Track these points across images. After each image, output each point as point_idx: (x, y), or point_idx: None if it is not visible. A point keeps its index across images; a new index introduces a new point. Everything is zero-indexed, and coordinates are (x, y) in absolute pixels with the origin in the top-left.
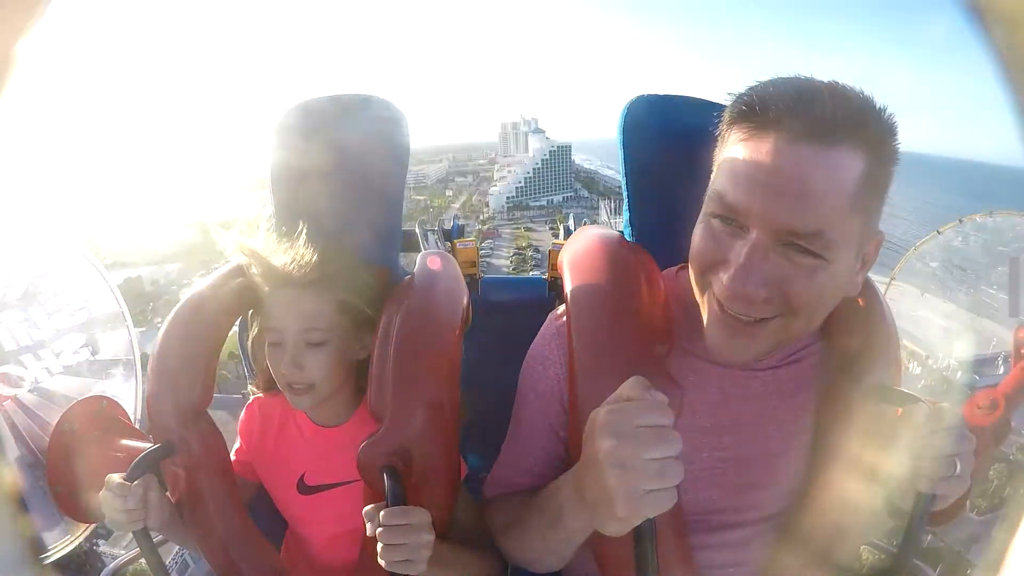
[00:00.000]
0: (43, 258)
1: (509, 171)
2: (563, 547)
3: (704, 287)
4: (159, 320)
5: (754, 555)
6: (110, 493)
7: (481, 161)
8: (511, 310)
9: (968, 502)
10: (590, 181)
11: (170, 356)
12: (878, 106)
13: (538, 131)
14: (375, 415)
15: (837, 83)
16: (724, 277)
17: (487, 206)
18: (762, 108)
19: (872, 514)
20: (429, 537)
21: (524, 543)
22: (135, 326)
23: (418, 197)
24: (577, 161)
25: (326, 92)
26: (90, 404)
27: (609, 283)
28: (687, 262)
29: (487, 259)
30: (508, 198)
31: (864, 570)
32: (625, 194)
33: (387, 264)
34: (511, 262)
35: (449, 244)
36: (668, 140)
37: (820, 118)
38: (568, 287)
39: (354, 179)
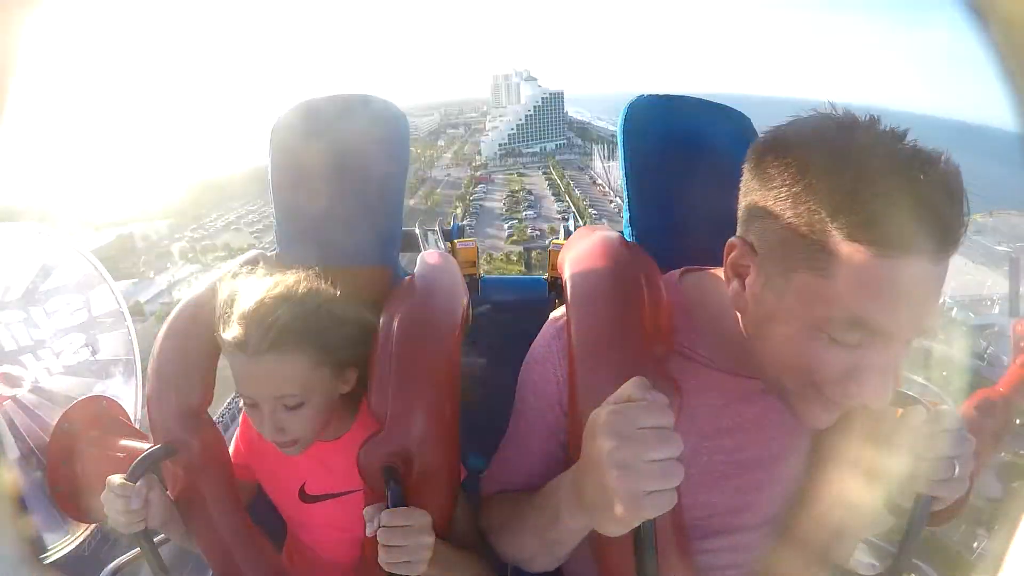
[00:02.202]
0: (43, 258)
1: (501, 120)
2: (559, 547)
3: (809, 389)
4: (152, 273)
5: (755, 556)
6: (112, 494)
7: (473, 114)
8: (511, 310)
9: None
10: (583, 131)
11: (170, 356)
12: None
13: (530, 79)
14: (375, 416)
15: (943, 172)
16: (858, 389)
17: (479, 154)
18: (897, 223)
19: (872, 516)
20: (429, 539)
21: (520, 541)
22: (127, 278)
23: (409, 148)
24: (570, 113)
25: (315, 49)
26: (90, 404)
27: (609, 284)
28: (690, 266)
29: (480, 202)
30: (500, 145)
31: (864, 570)
32: (625, 194)
33: (387, 264)
34: (504, 204)
35: (449, 244)
36: (669, 140)
37: (952, 234)
38: (568, 287)
39: (354, 179)
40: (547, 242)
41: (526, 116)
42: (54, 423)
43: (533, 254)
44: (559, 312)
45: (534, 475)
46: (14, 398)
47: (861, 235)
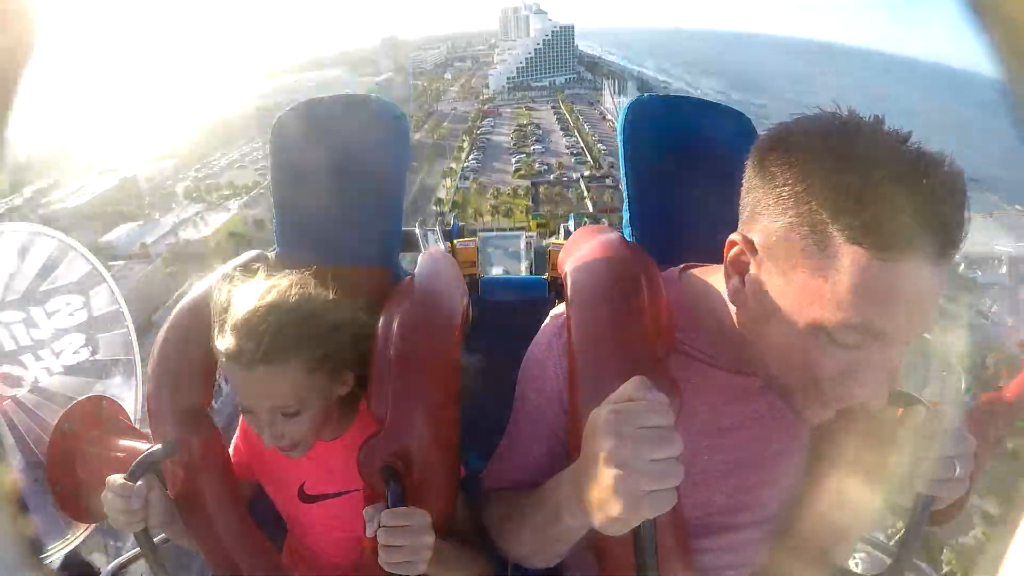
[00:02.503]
0: (43, 258)
1: (510, 53)
2: (559, 544)
3: (808, 385)
4: (156, 213)
5: (754, 557)
6: (112, 494)
7: (480, 47)
8: (511, 310)
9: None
10: (593, 65)
11: (170, 356)
12: None
13: (540, 12)
14: (375, 416)
15: (946, 175)
16: (857, 389)
17: (487, 87)
18: (898, 227)
19: (871, 515)
20: (429, 539)
21: (520, 537)
22: (132, 220)
23: (415, 82)
24: (580, 47)
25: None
26: (90, 404)
27: (609, 283)
28: (689, 264)
29: (487, 136)
30: (509, 79)
31: (864, 570)
32: (625, 194)
33: (387, 264)
34: (512, 138)
35: (449, 244)
36: (669, 140)
37: (953, 239)
38: (568, 287)
39: (354, 179)
40: (552, 176)
41: (535, 49)
42: (54, 423)
43: (541, 189)
44: (559, 309)
45: (534, 471)
46: (14, 398)
47: (863, 238)
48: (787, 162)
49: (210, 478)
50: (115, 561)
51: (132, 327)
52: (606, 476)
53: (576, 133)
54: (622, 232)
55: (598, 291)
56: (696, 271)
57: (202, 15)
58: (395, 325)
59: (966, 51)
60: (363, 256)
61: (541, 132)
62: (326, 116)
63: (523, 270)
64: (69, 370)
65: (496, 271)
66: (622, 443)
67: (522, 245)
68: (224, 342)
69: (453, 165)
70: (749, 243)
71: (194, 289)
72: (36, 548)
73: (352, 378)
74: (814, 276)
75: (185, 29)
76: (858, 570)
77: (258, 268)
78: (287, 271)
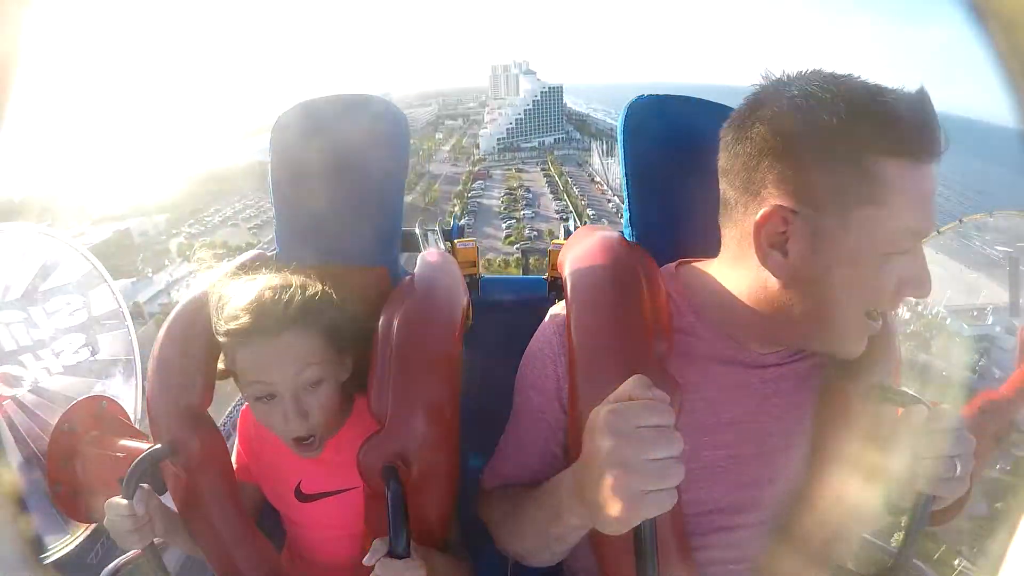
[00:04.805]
0: (43, 258)
1: (500, 113)
2: (559, 543)
3: (858, 318)
4: (150, 270)
5: (754, 553)
6: (115, 515)
7: (471, 104)
8: (511, 310)
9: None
10: (581, 123)
11: (170, 356)
12: None
13: (529, 72)
14: (375, 416)
15: (922, 89)
16: (915, 290)
17: (477, 147)
18: (921, 136)
19: (872, 514)
20: None
21: (520, 536)
22: (126, 276)
23: (409, 148)
24: (568, 104)
25: (313, 40)
26: (90, 404)
27: (609, 283)
28: (685, 259)
29: (478, 199)
30: (499, 140)
31: (864, 569)
32: (625, 194)
33: (387, 264)
34: (502, 202)
35: (449, 244)
36: (669, 140)
37: (940, 137)
38: (568, 287)
39: (354, 179)
40: (547, 245)
41: (525, 111)
42: (54, 423)
43: (531, 260)
44: (559, 308)
45: (535, 469)
46: (14, 398)
47: (903, 150)
48: (809, 117)
49: (210, 478)
50: (115, 561)
51: (132, 327)
52: (606, 475)
53: (566, 197)
54: (622, 232)
55: (598, 291)
56: (693, 265)
57: (201, 68)
58: (395, 325)
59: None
60: (363, 256)
61: (531, 196)
62: (326, 116)
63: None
64: (69, 370)
65: None
66: (622, 442)
67: None
68: (238, 321)
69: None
70: (786, 211)
71: (193, 289)
72: (36, 548)
73: (351, 364)
74: (874, 207)
75: (184, 81)
76: (858, 569)
77: (259, 266)
78: (290, 268)
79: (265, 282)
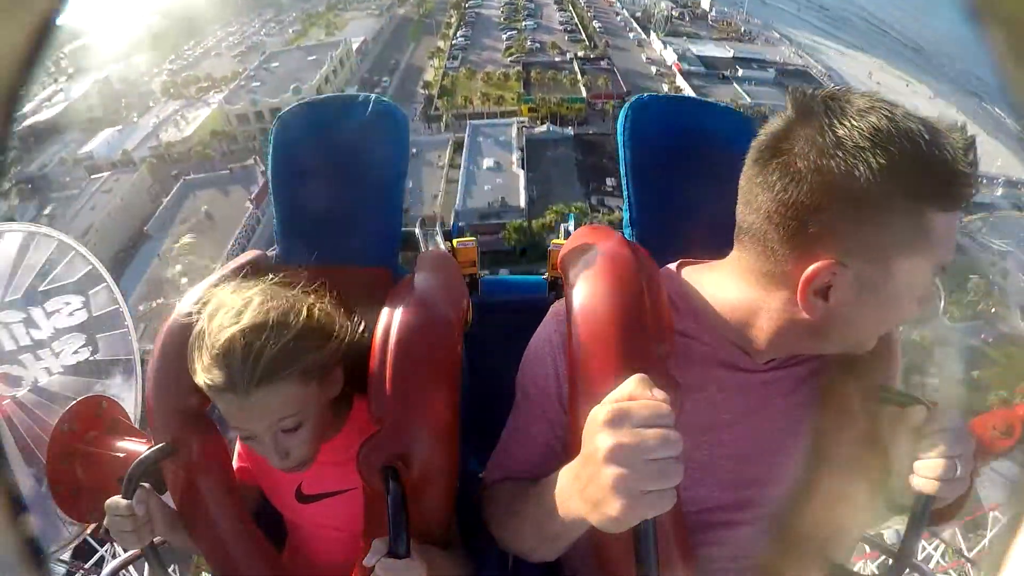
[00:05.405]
0: (43, 258)
1: None
2: (558, 540)
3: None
4: (135, 115)
5: (754, 552)
6: (115, 516)
7: None
8: (511, 310)
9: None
10: None
11: (170, 356)
12: None
13: None
14: (375, 416)
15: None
16: (926, 309)
17: None
18: (970, 191)
19: (871, 515)
20: None
21: (520, 533)
22: (111, 126)
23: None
24: None
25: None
26: (90, 404)
27: (610, 283)
28: (685, 260)
29: (476, 10)
30: None
31: (864, 569)
32: (625, 194)
33: (387, 264)
34: (502, 12)
35: (449, 244)
36: (669, 140)
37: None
38: (568, 287)
39: (354, 179)
40: (549, 59)
41: None
42: (54, 423)
43: (532, 73)
44: (559, 305)
45: (535, 464)
46: (14, 398)
47: (955, 205)
48: (844, 175)
49: (210, 478)
50: (115, 561)
51: (132, 327)
52: (606, 475)
53: (571, 7)
54: (622, 232)
55: (599, 291)
56: (694, 267)
57: None
58: (395, 325)
59: None
60: (363, 256)
61: (533, 5)
62: (326, 115)
63: (514, 161)
64: (69, 370)
65: (488, 162)
66: (621, 442)
67: (513, 133)
68: (210, 375)
69: (441, 44)
70: (836, 264)
71: (192, 291)
72: (36, 548)
73: (341, 376)
74: (915, 255)
75: None
76: (858, 569)
77: (255, 271)
78: (254, 281)
79: (238, 327)
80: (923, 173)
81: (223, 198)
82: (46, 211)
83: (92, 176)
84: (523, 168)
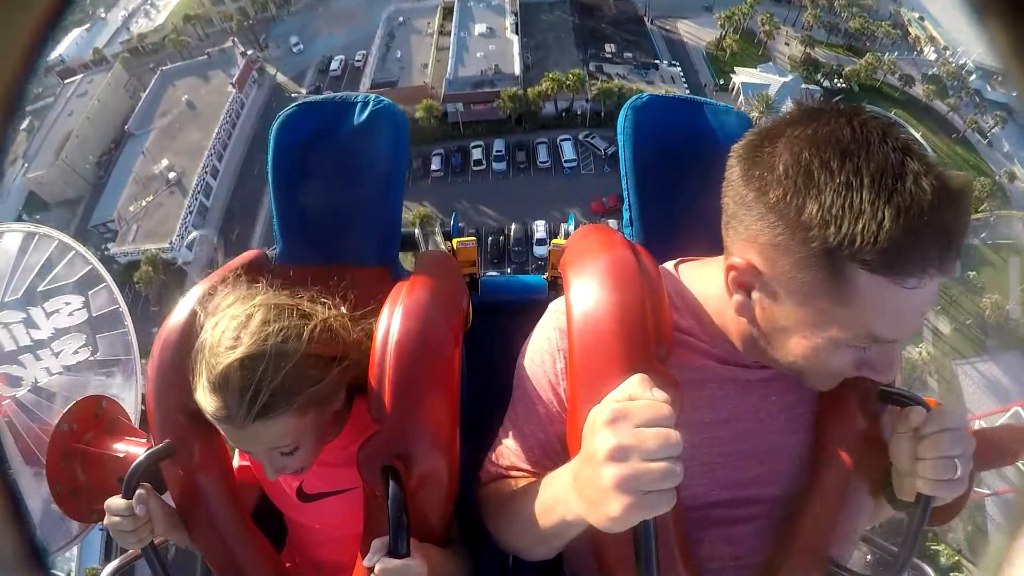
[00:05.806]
0: (43, 258)
1: None
2: (556, 539)
3: (823, 375)
4: (102, 10)
5: (754, 551)
6: (115, 517)
7: None
8: (511, 310)
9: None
10: None
11: (170, 356)
12: None
13: None
14: (374, 417)
15: (950, 178)
16: (871, 375)
17: None
18: (911, 260)
19: (871, 515)
20: None
21: (517, 531)
22: (78, 25)
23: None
24: None
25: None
26: (90, 404)
27: (609, 283)
28: (684, 258)
29: None
30: None
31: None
32: (625, 194)
33: (387, 264)
34: None
35: (449, 244)
36: (669, 140)
37: (958, 249)
38: (568, 287)
39: (354, 179)
40: None
41: None
42: (54, 423)
43: None
44: (558, 303)
45: (532, 461)
46: (14, 398)
47: (884, 271)
48: (780, 177)
49: (210, 478)
50: (115, 561)
51: (132, 327)
52: (606, 475)
53: None
54: (622, 232)
55: (599, 291)
56: (693, 264)
57: None
58: (394, 326)
59: None
60: (363, 256)
61: None
62: (325, 116)
63: (508, 26)
64: (69, 370)
65: (480, 28)
66: (622, 442)
67: None
68: (206, 402)
69: None
70: (753, 270)
71: (192, 291)
72: (36, 548)
73: (343, 395)
74: (833, 304)
75: None
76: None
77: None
78: (257, 289)
79: (236, 355)
80: (855, 217)
81: (204, 85)
82: (23, 126)
83: (65, 81)
84: (517, 33)
